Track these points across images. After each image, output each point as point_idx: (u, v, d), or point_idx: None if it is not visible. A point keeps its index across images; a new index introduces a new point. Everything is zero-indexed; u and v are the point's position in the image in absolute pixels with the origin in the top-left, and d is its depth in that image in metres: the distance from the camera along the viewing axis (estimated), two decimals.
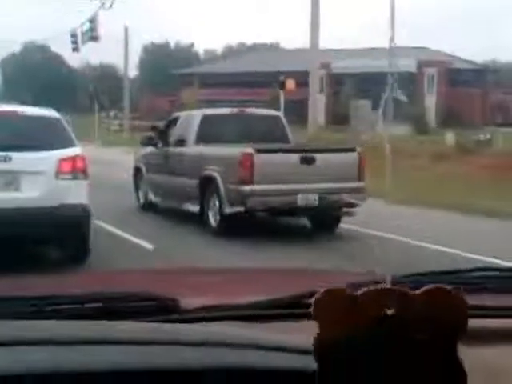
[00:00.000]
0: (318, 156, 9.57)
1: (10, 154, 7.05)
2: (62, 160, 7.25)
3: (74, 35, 36.62)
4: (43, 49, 53.18)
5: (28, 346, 0.98)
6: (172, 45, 59.05)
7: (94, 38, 35.56)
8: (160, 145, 11.34)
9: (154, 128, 12.00)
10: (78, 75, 57.20)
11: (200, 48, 63.24)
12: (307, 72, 47.38)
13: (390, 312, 0.90)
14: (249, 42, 61.20)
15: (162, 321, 1.20)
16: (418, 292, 0.93)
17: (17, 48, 55.59)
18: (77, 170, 7.32)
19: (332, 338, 0.91)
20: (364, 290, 0.92)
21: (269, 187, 9.22)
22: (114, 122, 44.41)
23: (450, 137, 25.13)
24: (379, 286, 0.92)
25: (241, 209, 9.25)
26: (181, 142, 10.71)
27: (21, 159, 7.10)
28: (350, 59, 46.32)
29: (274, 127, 10.98)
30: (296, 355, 1.04)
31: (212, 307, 1.35)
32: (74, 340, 1.00)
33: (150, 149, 11.81)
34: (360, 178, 9.70)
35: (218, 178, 9.55)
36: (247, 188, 9.18)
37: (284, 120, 11.19)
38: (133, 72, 49.82)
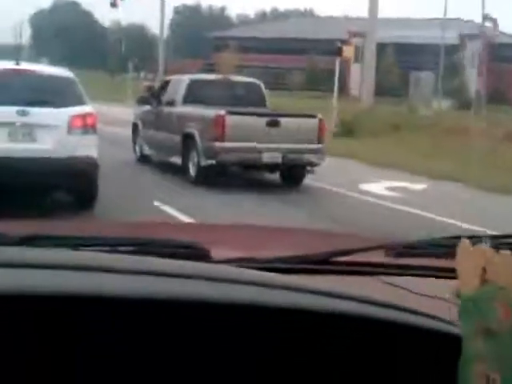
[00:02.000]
0: (282, 120, 11.65)
1: (27, 108, 8.14)
2: (74, 116, 8.41)
3: None
4: (74, 6, 55.65)
5: (66, 270, 1.02)
6: (203, 7, 61.17)
7: None
8: (154, 104, 13.53)
9: (149, 88, 14.19)
10: (109, 34, 59.66)
11: (232, 12, 65.21)
12: (344, 41, 47.92)
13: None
14: (282, 7, 62.88)
15: None
16: None
17: (46, 4, 58.22)
18: (87, 125, 8.49)
19: (473, 289, 0.96)
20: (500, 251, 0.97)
21: (238, 145, 11.31)
22: (145, 83, 46.38)
23: None
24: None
25: (213, 162, 11.39)
26: (170, 103, 12.87)
27: (37, 114, 8.19)
28: (388, 29, 47.00)
29: (253, 93, 13.08)
30: (345, 301, 1.09)
31: (243, 259, 1.43)
32: (106, 268, 1.04)
33: (146, 107, 14.01)
34: (319, 140, 11.75)
35: (197, 135, 11.69)
36: (219, 144, 11.30)
37: (263, 87, 13.28)
38: (163, 33, 51.92)
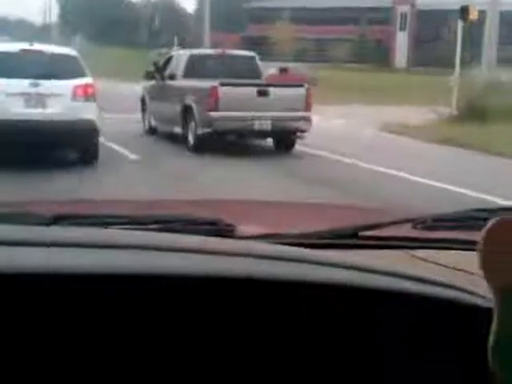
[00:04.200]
0: (271, 90, 13.19)
1: (39, 81, 10.60)
2: (77, 86, 10.84)
3: None
4: None
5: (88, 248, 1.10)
6: None
7: None
8: (158, 78, 15.20)
9: (154, 64, 15.85)
10: (138, 10, 61.40)
11: None
12: (389, 8, 47.16)
13: None
14: None
15: None
16: None
17: None
18: (87, 94, 10.90)
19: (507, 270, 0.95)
20: None
21: (230, 114, 12.90)
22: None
23: None
24: None
25: (208, 130, 13.00)
26: (172, 77, 14.52)
27: (47, 85, 10.63)
28: None
29: (248, 65, 14.67)
30: (367, 274, 1.13)
31: (269, 235, 1.51)
32: (129, 245, 1.11)
33: (152, 82, 15.68)
34: (307, 108, 13.27)
35: (194, 106, 13.32)
36: (213, 114, 12.90)
37: (258, 59, 14.85)
38: (192, 7, 53.57)
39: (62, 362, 1.06)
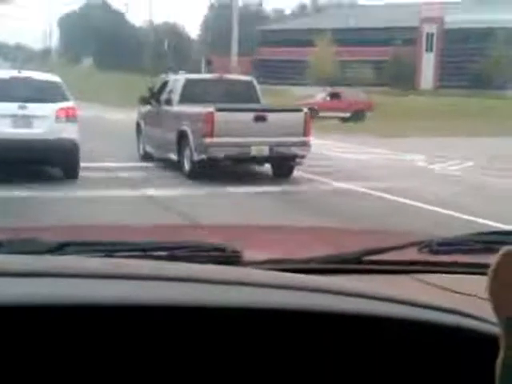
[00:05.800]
0: (269, 115, 13.11)
1: (26, 104, 11.92)
2: (60, 109, 12.18)
3: None
4: (104, 7, 57.77)
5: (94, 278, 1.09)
6: (239, 3, 62.46)
7: None
8: (154, 103, 15.14)
9: (150, 89, 15.81)
10: (140, 34, 61.66)
11: (268, 7, 65.79)
12: (414, 28, 46.04)
13: None
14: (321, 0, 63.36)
15: None
16: None
17: (76, 6, 60.56)
18: (69, 116, 12.25)
19: None
20: None
21: (227, 139, 12.82)
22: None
23: None
24: None
25: (204, 156, 12.90)
26: (168, 102, 14.45)
27: (33, 108, 11.96)
28: (465, 13, 43.46)
29: (246, 90, 14.59)
30: (378, 302, 1.14)
31: (276, 261, 1.55)
32: (134, 275, 1.11)
33: (148, 107, 15.63)
34: (305, 133, 13.17)
35: (189, 132, 13.24)
36: (209, 140, 12.82)
37: (256, 84, 14.77)
38: (196, 32, 53.59)
39: None
